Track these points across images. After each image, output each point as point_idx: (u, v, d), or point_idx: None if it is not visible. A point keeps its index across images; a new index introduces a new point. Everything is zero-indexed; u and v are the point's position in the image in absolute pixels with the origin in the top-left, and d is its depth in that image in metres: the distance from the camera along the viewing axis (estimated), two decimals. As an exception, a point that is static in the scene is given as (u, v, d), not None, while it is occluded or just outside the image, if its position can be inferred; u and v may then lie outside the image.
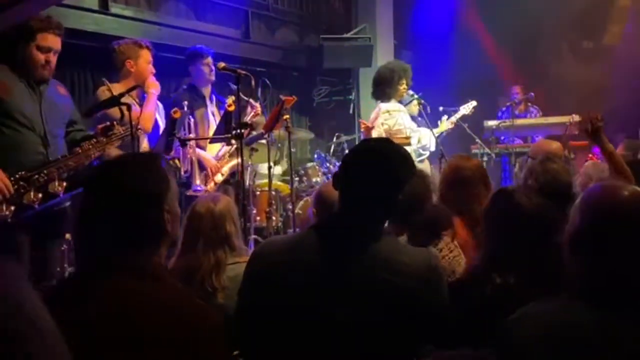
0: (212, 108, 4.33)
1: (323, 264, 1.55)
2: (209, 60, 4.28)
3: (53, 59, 2.92)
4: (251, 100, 4.20)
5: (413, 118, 5.24)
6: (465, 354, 1.57)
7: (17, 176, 2.66)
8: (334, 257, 1.56)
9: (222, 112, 4.31)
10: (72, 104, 3.22)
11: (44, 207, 2.72)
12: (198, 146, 4.09)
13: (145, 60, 3.74)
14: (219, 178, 4.19)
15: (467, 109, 5.64)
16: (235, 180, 4.37)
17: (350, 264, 1.55)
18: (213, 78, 4.32)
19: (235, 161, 4.23)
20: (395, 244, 1.65)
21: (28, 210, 2.68)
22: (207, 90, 4.34)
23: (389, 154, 1.64)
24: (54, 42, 2.92)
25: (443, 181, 2.67)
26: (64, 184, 2.75)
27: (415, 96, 5.01)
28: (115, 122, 2.96)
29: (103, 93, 3.44)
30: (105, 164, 1.73)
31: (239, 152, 4.20)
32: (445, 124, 5.40)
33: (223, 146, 4.26)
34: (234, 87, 4.47)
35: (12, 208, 2.62)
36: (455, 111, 5.84)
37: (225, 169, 4.23)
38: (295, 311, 1.54)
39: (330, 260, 1.56)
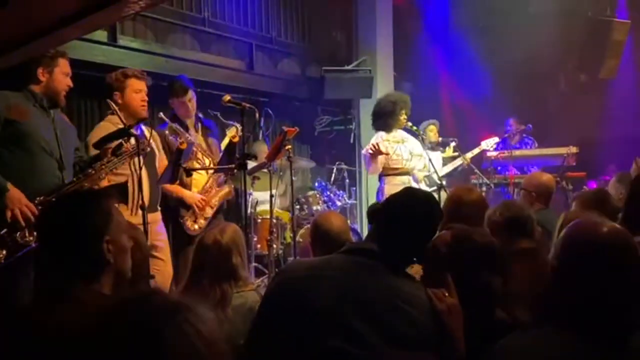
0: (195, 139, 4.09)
1: (346, 281, 1.64)
2: (190, 94, 4.08)
3: (71, 83, 3.03)
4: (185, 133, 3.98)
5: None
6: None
7: (36, 201, 2.71)
8: (357, 276, 1.65)
9: (210, 138, 4.24)
10: (75, 130, 3.31)
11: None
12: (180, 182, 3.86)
13: (132, 90, 3.45)
14: (208, 212, 4.06)
15: (487, 144, 5.74)
16: (225, 208, 4.30)
17: (371, 286, 1.63)
18: (194, 112, 4.13)
19: (225, 190, 4.19)
20: (413, 282, 1.75)
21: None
22: (191, 122, 4.16)
23: (430, 202, 1.82)
24: (69, 67, 3.04)
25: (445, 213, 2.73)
26: (35, 232, 2.58)
27: (415, 128, 5.13)
28: (123, 141, 3.01)
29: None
30: (50, 204, 1.86)
31: (230, 181, 4.23)
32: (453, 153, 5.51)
33: (210, 178, 4.12)
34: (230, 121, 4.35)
35: (35, 233, 2.59)
36: (454, 141, 5.96)
37: (215, 201, 4.10)
38: (313, 321, 1.60)
39: (353, 279, 1.65)
